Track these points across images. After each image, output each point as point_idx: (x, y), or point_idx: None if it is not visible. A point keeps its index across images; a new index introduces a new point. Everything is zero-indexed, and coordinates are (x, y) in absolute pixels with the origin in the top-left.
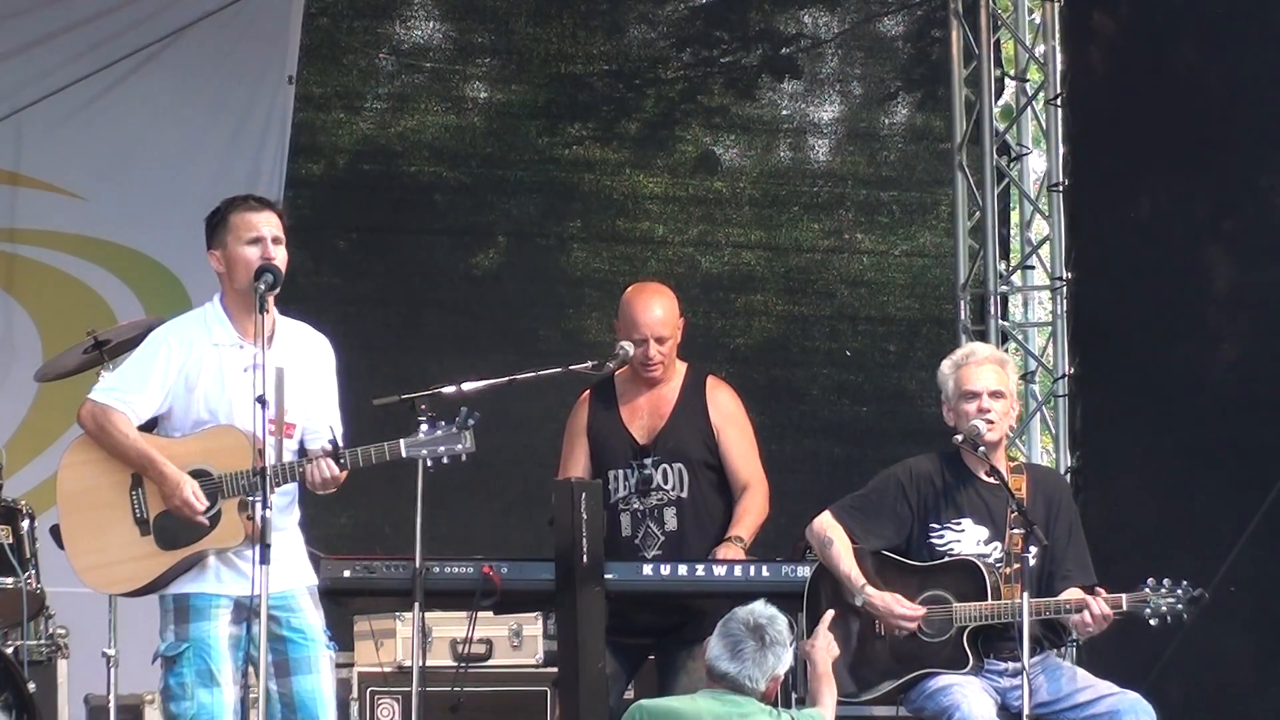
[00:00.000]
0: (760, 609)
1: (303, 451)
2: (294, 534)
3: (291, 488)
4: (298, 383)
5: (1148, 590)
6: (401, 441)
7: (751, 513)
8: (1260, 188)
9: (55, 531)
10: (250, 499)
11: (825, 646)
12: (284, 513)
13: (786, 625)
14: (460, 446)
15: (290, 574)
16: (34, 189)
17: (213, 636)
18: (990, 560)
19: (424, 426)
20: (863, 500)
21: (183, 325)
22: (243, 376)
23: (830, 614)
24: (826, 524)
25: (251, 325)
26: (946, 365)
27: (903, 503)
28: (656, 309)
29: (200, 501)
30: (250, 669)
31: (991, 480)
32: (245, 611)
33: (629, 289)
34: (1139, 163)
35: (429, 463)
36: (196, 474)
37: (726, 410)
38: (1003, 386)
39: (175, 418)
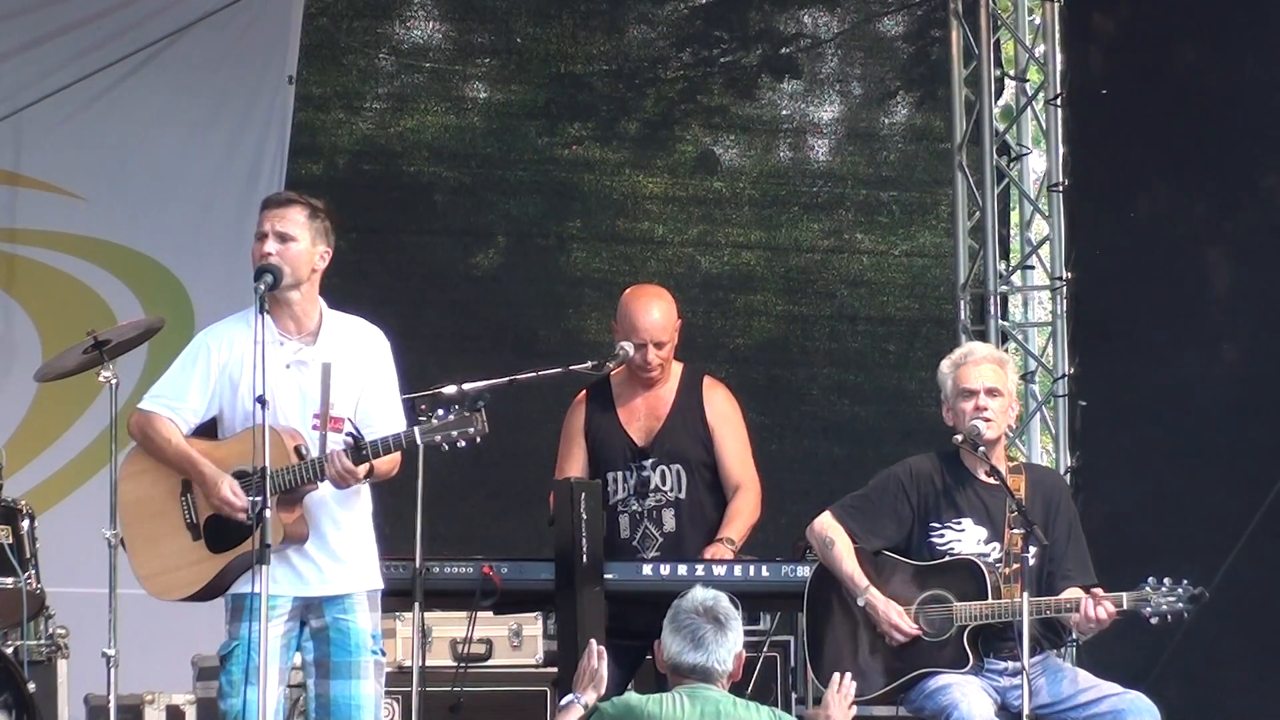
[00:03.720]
0: (701, 593)
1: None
2: (358, 531)
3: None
4: (345, 376)
5: (1148, 589)
6: (416, 429)
7: (743, 514)
8: (1260, 188)
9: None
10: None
11: (842, 704)
12: (344, 506)
13: (727, 600)
14: (474, 429)
15: (348, 577)
16: (34, 189)
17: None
18: (990, 560)
19: (438, 411)
20: (863, 500)
21: (225, 325)
22: (284, 373)
23: (837, 677)
24: (827, 524)
25: (292, 322)
26: (945, 365)
27: (903, 502)
28: (655, 313)
29: (240, 498)
30: (302, 667)
31: (991, 480)
32: (301, 611)
33: (627, 291)
34: (1139, 163)
35: (445, 447)
36: (238, 475)
37: (722, 410)
38: (1000, 385)
39: (225, 418)
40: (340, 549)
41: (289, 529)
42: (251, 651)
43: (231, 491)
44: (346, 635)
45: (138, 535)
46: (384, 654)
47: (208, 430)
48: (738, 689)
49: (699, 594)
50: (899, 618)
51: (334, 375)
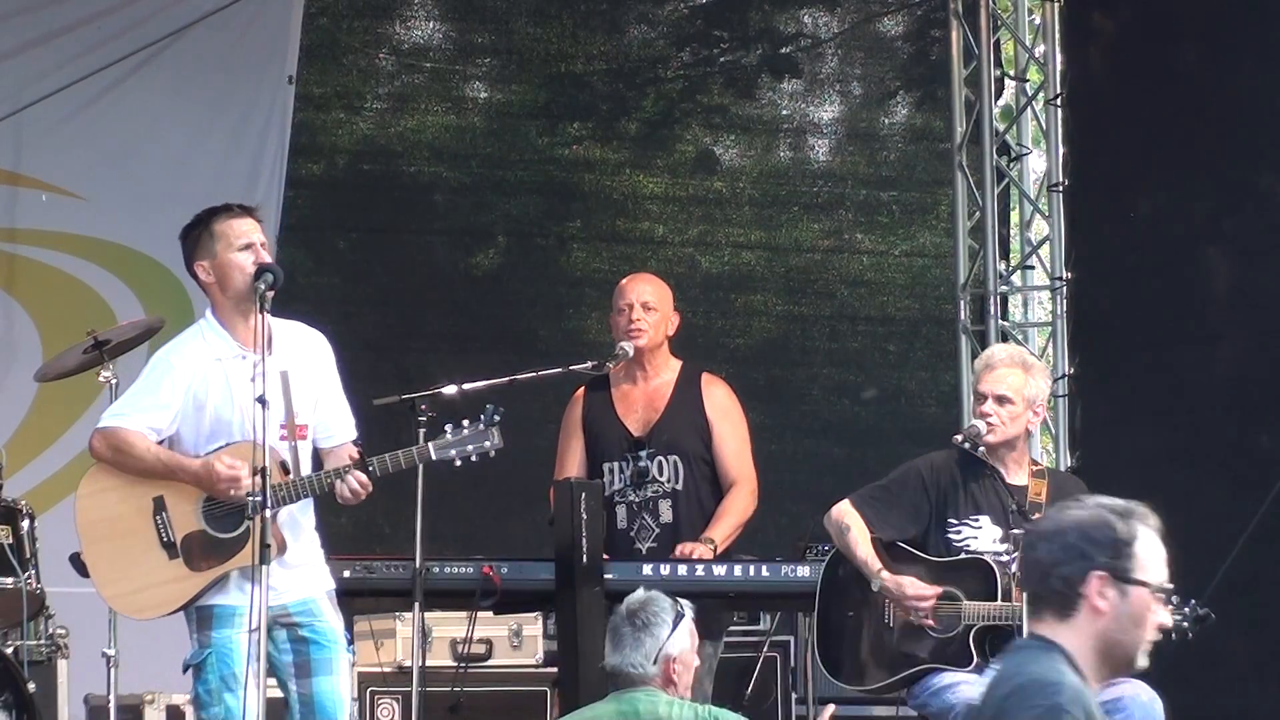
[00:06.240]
0: (636, 595)
1: (317, 455)
2: (312, 538)
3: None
4: (302, 382)
5: None
6: (430, 445)
7: (732, 513)
8: (1260, 188)
9: (76, 559)
10: (264, 508)
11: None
12: (304, 515)
13: (668, 605)
14: (489, 443)
15: (310, 582)
16: (34, 189)
17: (233, 641)
18: (1004, 560)
19: (449, 427)
20: (883, 490)
21: (182, 345)
22: (249, 386)
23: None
24: (844, 511)
25: (249, 333)
26: (976, 363)
27: (922, 495)
28: (645, 284)
29: (235, 468)
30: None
31: (1011, 481)
32: (269, 620)
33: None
34: (1139, 163)
35: (458, 462)
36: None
37: (721, 405)
38: (1013, 393)
39: (185, 439)
40: (298, 558)
41: (278, 542)
42: (226, 659)
43: (226, 467)
44: (321, 634)
45: (104, 555)
46: (355, 652)
47: None
48: (738, 687)
49: (634, 595)
50: (914, 587)
51: (292, 382)
